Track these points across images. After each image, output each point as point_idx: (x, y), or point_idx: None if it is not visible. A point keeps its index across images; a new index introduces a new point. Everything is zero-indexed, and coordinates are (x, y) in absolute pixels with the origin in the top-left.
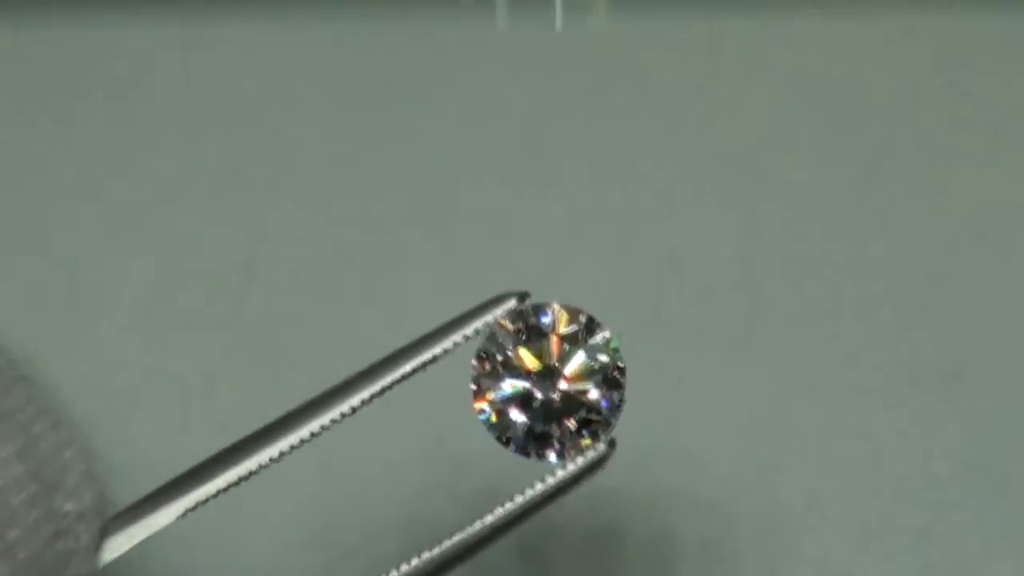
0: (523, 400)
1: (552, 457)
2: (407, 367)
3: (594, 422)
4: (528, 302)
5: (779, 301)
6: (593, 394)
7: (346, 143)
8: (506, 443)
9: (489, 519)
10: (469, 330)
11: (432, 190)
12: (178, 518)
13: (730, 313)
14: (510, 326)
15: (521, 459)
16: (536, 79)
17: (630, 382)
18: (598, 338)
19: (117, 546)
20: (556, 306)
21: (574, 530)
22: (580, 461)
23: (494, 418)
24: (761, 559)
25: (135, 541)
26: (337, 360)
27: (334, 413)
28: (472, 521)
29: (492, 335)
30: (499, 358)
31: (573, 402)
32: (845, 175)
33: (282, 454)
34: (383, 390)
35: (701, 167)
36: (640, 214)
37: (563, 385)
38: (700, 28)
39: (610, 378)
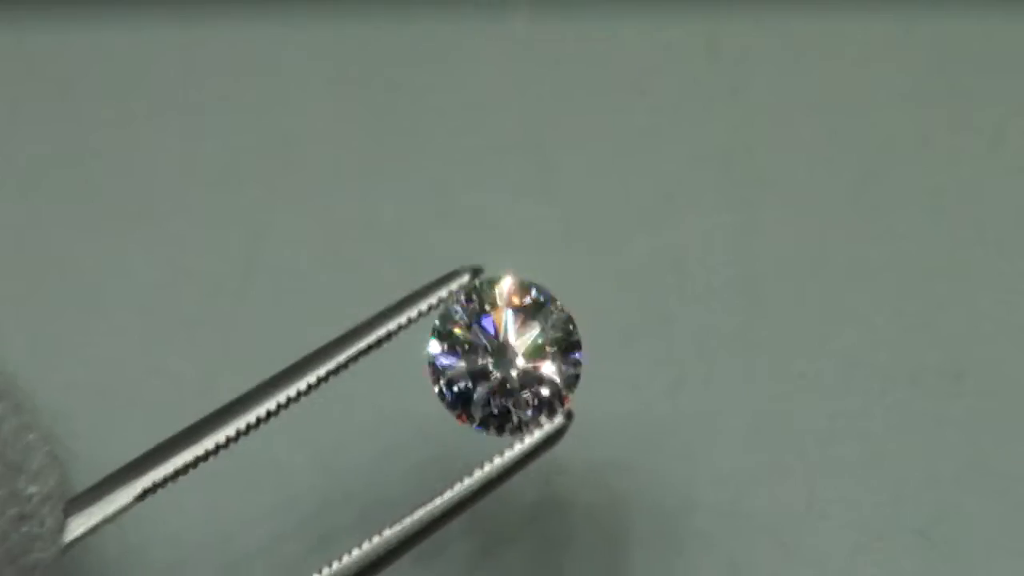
0: (479, 376)
1: (509, 432)
2: (362, 344)
3: (551, 396)
4: (481, 277)
5: (779, 301)
6: (549, 368)
7: (346, 143)
8: (463, 419)
9: (448, 495)
10: (424, 305)
11: (431, 190)
12: (136, 498)
13: (730, 313)
14: (464, 302)
15: (478, 434)
16: (535, 79)
17: (630, 380)
18: (553, 312)
19: (76, 528)
20: (510, 280)
21: (581, 539)
22: (537, 434)
23: (450, 395)
24: (761, 559)
25: (93, 522)
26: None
27: (290, 391)
28: (429, 498)
29: (446, 311)
30: (454, 334)
31: (529, 377)
32: (845, 175)
33: (239, 433)
34: (338, 367)
35: (701, 167)
36: (640, 214)
37: (519, 360)
38: (699, 28)
39: (565, 351)
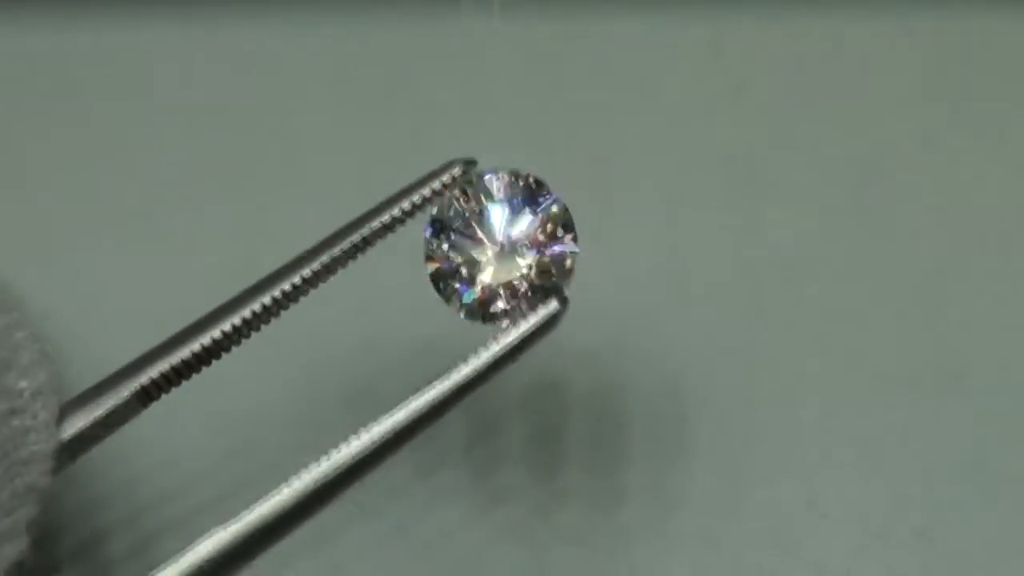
0: (474, 264)
1: (504, 320)
2: (356, 236)
3: (546, 282)
4: (476, 168)
5: (779, 301)
6: (543, 255)
7: (346, 143)
8: (458, 308)
9: (443, 383)
10: (417, 197)
11: None
12: (133, 395)
13: (730, 313)
14: (459, 192)
15: (474, 324)
16: (537, 79)
17: (630, 380)
18: (546, 201)
19: (76, 423)
20: (504, 171)
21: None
22: (532, 319)
23: (444, 285)
24: (761, 559)
25: (92, 418)
26: (336, 359)
27: (286, 285)
28: (424, 387)
29: (442, 202)
30: (449, 224)
31: (524, 264)
32: (845, 175)
33: (236, 329)
34: (334, 261)
35: (702, 167)
36: (641, 214)
37: (513, 248)
38: (701, 28)
39: (559, 238)
